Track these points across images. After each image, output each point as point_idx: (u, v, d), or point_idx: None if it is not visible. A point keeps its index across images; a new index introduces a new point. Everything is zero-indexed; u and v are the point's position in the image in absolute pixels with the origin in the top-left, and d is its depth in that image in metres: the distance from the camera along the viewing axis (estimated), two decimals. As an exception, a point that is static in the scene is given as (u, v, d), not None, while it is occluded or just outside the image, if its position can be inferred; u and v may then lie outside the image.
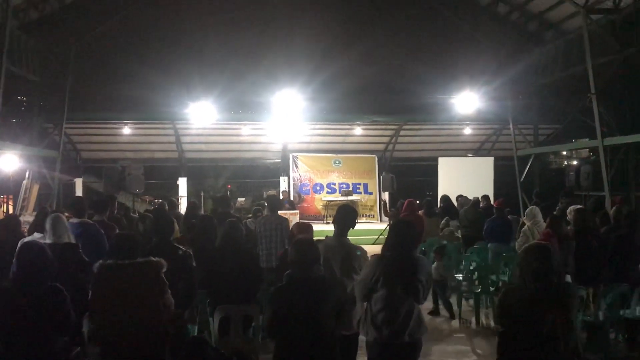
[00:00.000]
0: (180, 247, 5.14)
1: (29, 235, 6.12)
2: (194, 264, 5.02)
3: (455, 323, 7.74)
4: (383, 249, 4.09)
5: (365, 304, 4.02)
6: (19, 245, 4.36)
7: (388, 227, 4.15)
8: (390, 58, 15.65)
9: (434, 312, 8.04)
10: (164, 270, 3.85)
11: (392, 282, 3.83)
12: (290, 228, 7.27)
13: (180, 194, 16.81)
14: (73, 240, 5.12)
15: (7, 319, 3.68)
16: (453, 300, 8.53)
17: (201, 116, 14.69)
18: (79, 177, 16.92)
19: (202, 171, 20.29)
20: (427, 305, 8.56)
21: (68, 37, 14.02)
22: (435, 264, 8.01)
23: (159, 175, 19.29)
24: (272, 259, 7.09)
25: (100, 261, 3.87)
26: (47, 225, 5.03)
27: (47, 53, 14.03)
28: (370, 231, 14.31)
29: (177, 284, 4.45)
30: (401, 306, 3.80)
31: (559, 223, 6.49)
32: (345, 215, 4.67)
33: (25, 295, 3.75)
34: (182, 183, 17.30)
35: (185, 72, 14.42)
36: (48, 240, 4.95)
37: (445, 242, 9.34)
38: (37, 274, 3.81)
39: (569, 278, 6.18)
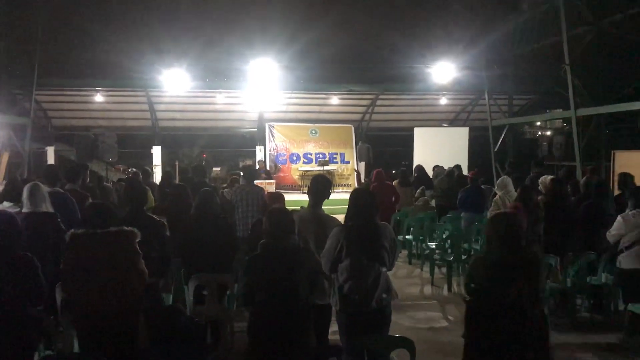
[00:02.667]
0: (154, 216, 5.12)
1: (-2, 204, 6.01)
2: (168, 233, 5.01)
3: (427, 290, 7.89)
4: (345, 219, 4.10)
5: (333, 275, 4.05)
6: (-13, 214, 4.28)
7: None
8: (367, 26, 15.51)
9: None
10: (137, 240, 3.83)
11: (356, 251, 3.87)
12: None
13: (154, 163, 16.64)
14: (51, 209, 5.05)
15: (-23, 289, 3.64)
16: (426, 267, 8.70)
17: (174, 84, 14.42)
18: (51, 145, 16.60)
19: (176, 140, 20.07)
20: (401, 272, 8.76)
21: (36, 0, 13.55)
22: None
23: (132, 143, 19.04)
24: (248, 228, 7.11)
25: (72, 230, 3.82)
26: (24, 194, 4.94)
27: (15, 16, 13.55)
28: (347, 201, 14.35)
29: (151, 253, 4.44)
30: (367, 274, 3.85)
31: (530, 193, 6.60)
32: (319, 187, 4.63)
33: (-5, 264, 3.71)
34: (156, 152, 17.10)
35: (157, 37, 14.08)
36: (25, 210, 4.88)
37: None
38: (6, 243, 3.76)
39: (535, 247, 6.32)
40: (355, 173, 16.67)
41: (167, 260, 4.90)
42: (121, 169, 18.32)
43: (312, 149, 17.62)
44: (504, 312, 3.35)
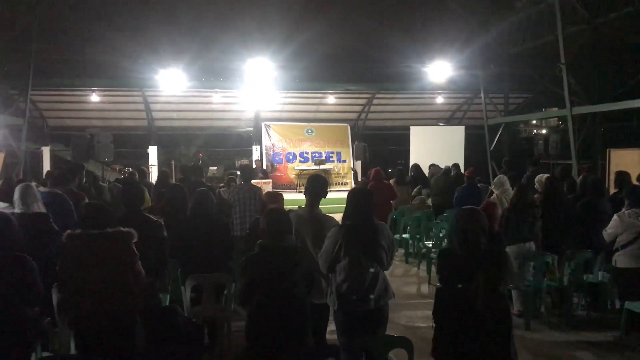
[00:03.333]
0: (151, 216, 5.11)
1: (-6, 205, 5.99)
2: (165, 233, 5.00)
3: (424, 289, 7.90)
4: (343, 219, 4.09)
5: (330, 275, 4.04)
6: (-17, 215, 4.25)
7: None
8: (363, 25, 15.51)
9: None
10: (134, 240, 3.81)
11: (354, 251, 3.86)
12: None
13: (150, 163, 16.61)
14: (44, 210, 5.03)
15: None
16: (423, 266, 8.70)
17: (171, 83, 14.40)
18: (46, 145, 16.55)
19: (172, 140, 20.04)
20: (397, 271, 8.77)
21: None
22: None
23: (128, 143, 19.01)
24: (246, 227, 7.10)
25: (69, 231, 3.81)
26: (16, 195, 4.91)
27: (11, 16, 13.49)
28: (344, 200, 14.34)
29: (148, 253, 4.43)
30: (365, 273, 3.85)
31: (526, 191, 6.61)
32: (316, 186, 4.60)
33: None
34: (152, 151, 17.07)
35: (154, 37, 14.05)
36: (17, 210, 4.86)
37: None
38: (2, 244, 3.75)
39: (532, 245, 6.34)
40: (352, 172, 16.68)
41: (164, 261, 4.89)
42: (117, 168, 18.27)
43: (308, 148, 17.61)
44: (464, 304, 3.43)
